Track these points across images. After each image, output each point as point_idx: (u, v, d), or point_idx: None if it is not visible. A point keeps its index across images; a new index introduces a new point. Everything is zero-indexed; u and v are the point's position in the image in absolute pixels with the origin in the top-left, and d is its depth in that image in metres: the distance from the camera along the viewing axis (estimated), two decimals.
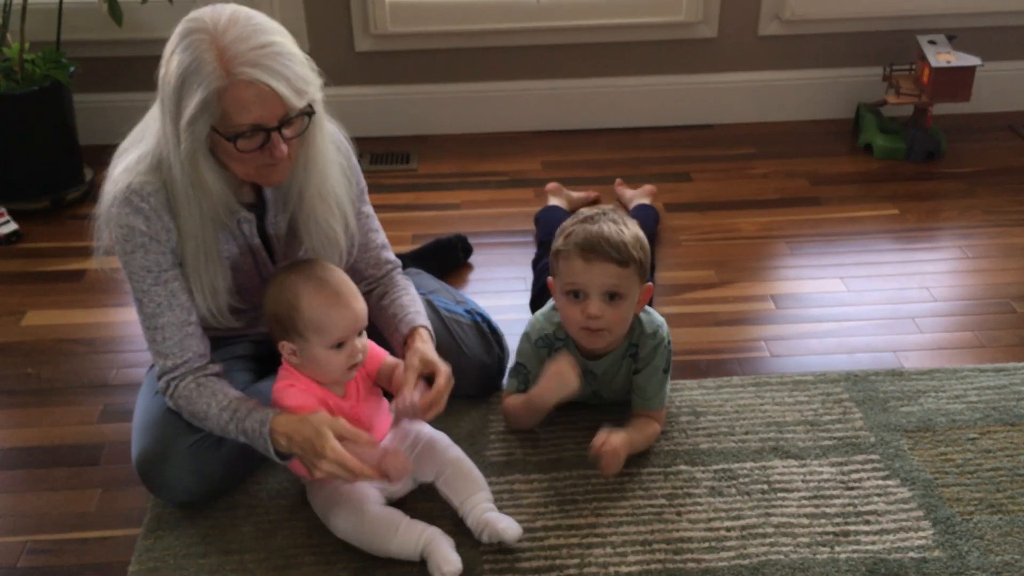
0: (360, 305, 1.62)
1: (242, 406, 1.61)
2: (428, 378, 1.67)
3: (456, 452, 1.72)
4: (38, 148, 2.72)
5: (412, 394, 1.62)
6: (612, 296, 1.72)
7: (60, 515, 1.75)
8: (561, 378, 1.74)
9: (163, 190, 1.56)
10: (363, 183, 1.81)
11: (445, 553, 1.56)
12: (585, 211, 1.79)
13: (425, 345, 1.71)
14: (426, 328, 1.76)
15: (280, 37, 1.49)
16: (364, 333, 1.64)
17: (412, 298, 1.83)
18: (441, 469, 1.69)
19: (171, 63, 1.46)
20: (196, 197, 1.54)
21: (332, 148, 1.66)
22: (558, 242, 1.76)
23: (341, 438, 1.55)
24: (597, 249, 1.70)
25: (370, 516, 1.60)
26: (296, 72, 1.47)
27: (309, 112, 1.53)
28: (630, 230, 1.74)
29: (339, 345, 1.60)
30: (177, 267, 1.62)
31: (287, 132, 1.51)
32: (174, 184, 1.53)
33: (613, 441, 1.73)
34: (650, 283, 1.78)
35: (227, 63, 1.43)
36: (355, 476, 1.55)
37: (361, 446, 1.56)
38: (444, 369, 1.66)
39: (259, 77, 1.43)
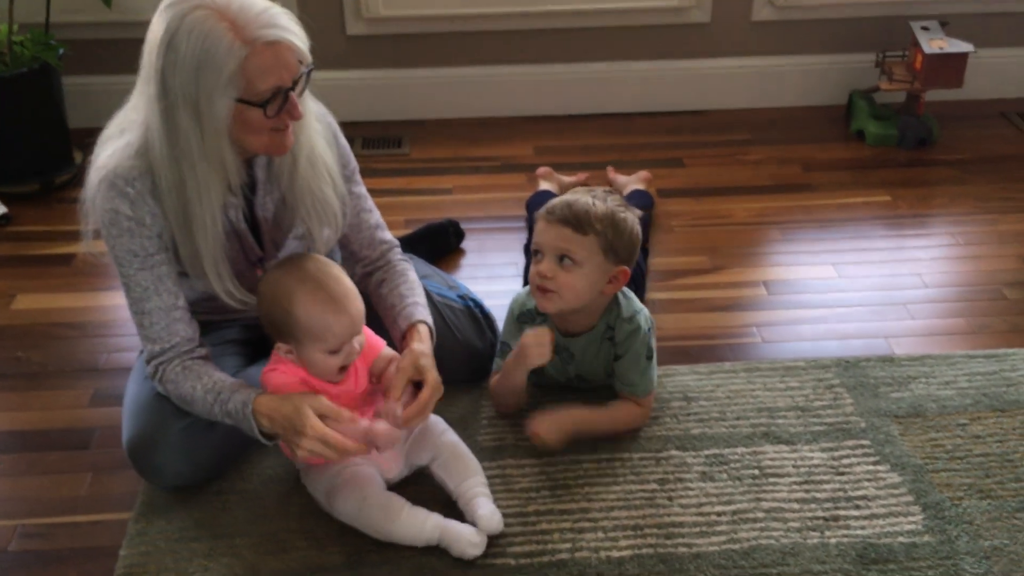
0: (357, 308, 1.60)
1: (226, 387, 1.60)
2: (417, 383, 1.65)
3: (451, 436, 1.72)
4: (27, 131, 2.70)
5: (395, 406, 1.60)
6: (563, 258, 1.72)
7: (51, 499, 1.75)
8: (529, 345, 1.74)
9: (149, 175, 1.55)
10: (354, 163, 1.80)
11: (466, 529, 1.57)
12: (579, 188, 1.82)
13: (422, 346, 1.68)
14: (425, 323, 1.74)
15: (269, 1, 1.51)
16: (361, 331, 1.62)
17: (411, 287, 1.81)
18: (436, 453, 1.69)
19: (178, 47, 1.44)
20: (216, 179, 1.54)
21: (312, 115, 1.67)
22: (542, 209, 1.78)
23: (323, 417, 1.54)
24: (556, 212, 1.73)
25: (372, 499, 1.60)
26: (298, 28, 1.51)
27: (311, 68, 1.55)
28: (606, 206, 1.74)
29: (335, 350, 1.59)
30: (164, 252, 1.61)
31: (298, 90, 1.54)
32: (192, 170, 1.52)
33: (544, 419, 1.77)
34: (625, 267, 1.76)
35: (242, 32, 1.44)
36: (338, 453, 1.53)
37: (343, 424, 1.55)
38: (432, 379, 1.63)
39: (279, 36, 1.47)
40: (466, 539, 1.57)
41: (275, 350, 1.63)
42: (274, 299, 1.58)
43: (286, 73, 1.50)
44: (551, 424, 1.77)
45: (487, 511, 1.61)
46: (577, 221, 1.71)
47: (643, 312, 1.84)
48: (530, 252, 2.27)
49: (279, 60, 1.48)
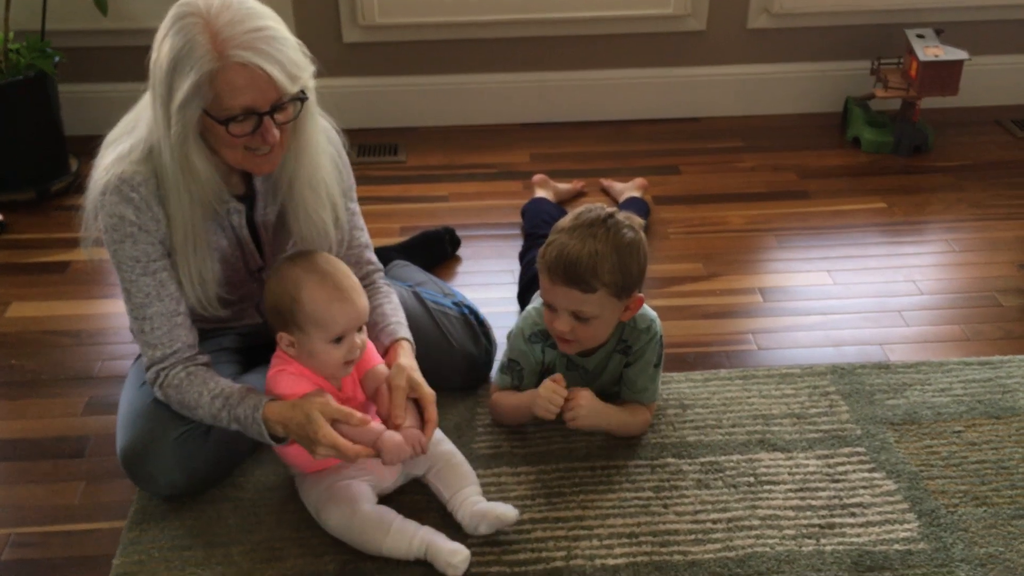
0: (362, 301, 1.61)
1: (234, 393, 1.60)
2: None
3: (448, 445, 1.72)
4: (23, 139, 2.70)
5: (418, 434, 1.60)
6: (579, 316, 1.71)
7: (45, 508, 1.74)
8: (548, 402, 1.75)
9: (153, 180, 1.55)
10: (351, 180, 1.79)
11: (448, 546, 1.56)
12: (584, 212, 1.72)
13: (410, 361, 1.68)
14: (408, 341, 1.74)
15: (273, 22, 1.49)
16: (364, 329, 1.63)
17: (395, 307, 1.80)
18: (432, 462, 1.69)
19: (163, 47, 1.46)
20: (186, 182, 1.53)
21: (323, 138, 1.66)
22: (543, 248, 1.72)
23: (334, 421, 1.55)
24: (560, 273, 1.67)
25: (362, 515, 1.59)
26: (289, 57, 1.48)
27: (301, 98, 1.53)
28: (609, 246, 1.67)
29: (338, 340, 1.59)
30: (166, 258, 1.61)
31: (279, 117, 1.51)
32: (164, 170, 1.53)
33: (590, 401, 1.76)
34: (640, 295, 1.75)
35: (220, 46, 1.43)
36: (352, 458, 1.54)
37: (354, 426, 1.55)
38: (429, 394, 1.64)
39: (253, 60, 1.44)
40: (444, 559, 1.55)
41: (277, 344, 1.63)
42: (281, 286, 1.59)
43: (260, 97, 1.47)
44: (595, 408, 1.77)
45: (502, 508, 1.61)
46: (583, 281, 1.66)
47: (656, 320, 1.83)
48: (525, 260, 2.29)
49: (252, 83, 1.45)
